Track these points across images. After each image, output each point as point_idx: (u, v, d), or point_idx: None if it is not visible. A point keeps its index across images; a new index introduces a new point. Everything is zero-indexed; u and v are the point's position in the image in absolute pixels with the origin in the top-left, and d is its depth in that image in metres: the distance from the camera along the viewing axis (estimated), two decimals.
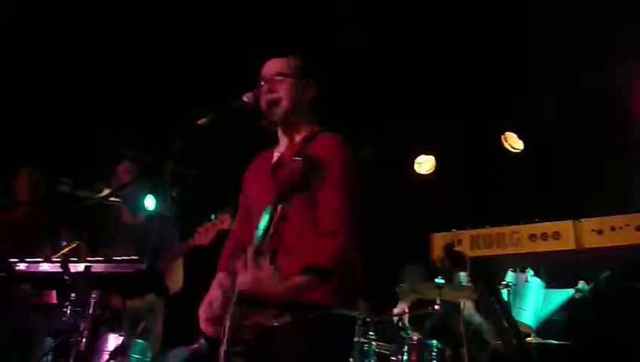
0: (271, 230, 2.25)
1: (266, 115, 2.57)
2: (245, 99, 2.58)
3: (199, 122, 2.54)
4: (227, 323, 2.30)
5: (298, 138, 2.60)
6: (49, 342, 3.89)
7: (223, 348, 2.29)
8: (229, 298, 2.41)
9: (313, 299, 2.29)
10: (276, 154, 2.64)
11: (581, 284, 4.28)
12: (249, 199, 2.66)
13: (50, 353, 3.62)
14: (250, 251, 2.24)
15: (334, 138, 2.52)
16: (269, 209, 2.23)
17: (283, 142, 2.65)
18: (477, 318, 4.43)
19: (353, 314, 2.51)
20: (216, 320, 2.41)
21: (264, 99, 2.57)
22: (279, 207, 2.22)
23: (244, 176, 2.76)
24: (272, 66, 2.62)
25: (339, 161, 2.41)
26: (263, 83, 2.60)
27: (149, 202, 4.56)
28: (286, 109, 2.56)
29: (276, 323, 2.32)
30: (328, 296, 2.32)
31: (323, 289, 2.30)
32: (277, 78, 2.58)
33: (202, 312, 2.48)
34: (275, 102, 2.56)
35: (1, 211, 4.57)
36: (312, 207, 2.36)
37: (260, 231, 2.25)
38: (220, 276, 2.58)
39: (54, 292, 3.75)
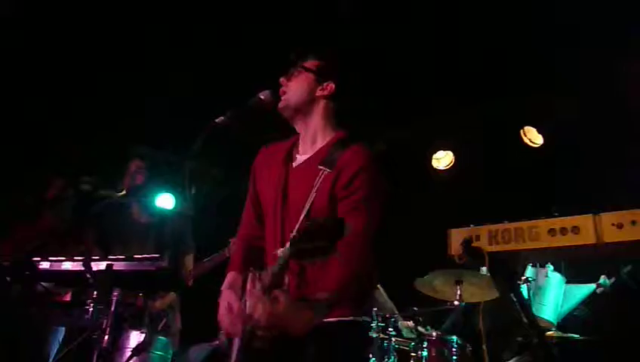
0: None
1: (279, 106, 2.58)
2: (262, 96, 2.59)
3: (217, 120, 2.56)
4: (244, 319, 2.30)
5: (322, 141, 2.55)
6: (60, 338, 3.95)
7: (239, 343, 2.29)
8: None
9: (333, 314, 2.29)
10: (298, 156, 2.58)
11: (602, 279, 4.24)
12: (261, 193, 2.63)
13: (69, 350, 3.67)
14: (264, 280, 2.21)
15: (363, 152, 2.45)
16: (286, 251, 2.15)
17: (303, 140, 2.61)
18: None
19: (368, 319, 2.51)
20: (240, 323, 2.38)
21: (280, 91, 2.59)
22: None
23: (254, 168, 2.71)
24: (297, 61, 2.63)
25: (365, 179, 2.36)
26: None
27: (168, 200, 4.58)
28: (295, 102, 2.56)
29: None
30: (346, 309, 2.33)
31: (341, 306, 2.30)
32: (296, 70, 2.59)
33: (224, 318, 2.44)
34: (284, 95, 2.57)
35: (25, 213, 4.62)
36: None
37: (278, 264, 2.20)
38: (231, 276, 2.56)
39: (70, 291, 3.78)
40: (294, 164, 2.54)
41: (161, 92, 5.38)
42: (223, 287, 2.55)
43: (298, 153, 2.58)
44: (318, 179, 2.37)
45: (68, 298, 3.47)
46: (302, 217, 2.33)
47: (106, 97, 5.37)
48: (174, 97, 5.39)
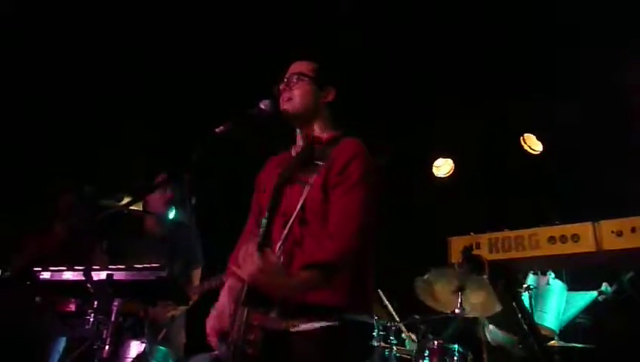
0: (287, 231, 2.26)
1: (282, 112, 2.60)
2: (262, 106, 2.60)
3: (216, 130, 2.56)
4: (236, 323, 2.27)
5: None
6: (61, 348, 3.94)
7: (231, 348, 2.26)
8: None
9: (324, 301, 2.26)
10: (294, 155, 2.64)
11: (604, 286, 4.23)
12: (261, 202, 2.63)
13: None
14: (253, 242, 2.22)
15: (356, 142, 2.51)
16: (274, 192, 2.26)
17: (301, 144, 2.65)
18: (499, 334, 4.36)
19: (370, 321, 2.47)
20: (224, 333, 2.36)
21: (282, 97, 2.60)
22: (286, 190, 2.26)
23: (258, 179, 2.75)
24: (294, 67, 2.67)
25: (358, 165, 2.40)
26: (283, 82, 2.64)
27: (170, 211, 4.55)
28: (300, 108, 2.59)
29: (291, 329, 2.28)
30: (339, 298, 2.29)
31: (334, 290, 2.26)
32: (295, 77, 2.62)
33: (210, 323, 2.43)
34: (290, 100, 2.59)
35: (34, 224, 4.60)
36: (327, 210, 2.36)
37: (264, 222, 2.26)
38: (231, 282, 2.54)
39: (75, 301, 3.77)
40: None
41: (163, 101, 5.39)
42: (223, 290, 2.54)
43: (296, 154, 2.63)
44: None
45: (71, 308, 3.47)
46: (296, 211, 2.33)
47: (105, 99, 5.37)
48: (173, 102, 5.39)
